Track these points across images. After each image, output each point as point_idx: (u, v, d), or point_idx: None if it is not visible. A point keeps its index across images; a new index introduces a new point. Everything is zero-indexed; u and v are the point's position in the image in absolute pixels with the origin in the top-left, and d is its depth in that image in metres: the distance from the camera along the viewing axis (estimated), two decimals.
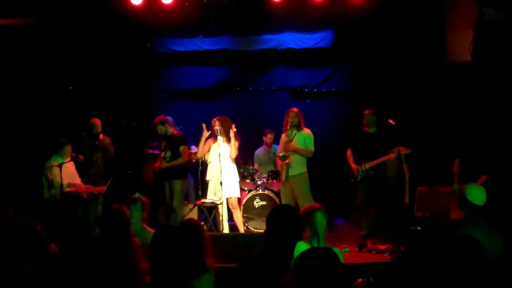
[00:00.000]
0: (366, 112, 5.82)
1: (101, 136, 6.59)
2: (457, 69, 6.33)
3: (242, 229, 6.07)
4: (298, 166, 5.89)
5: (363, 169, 5.67)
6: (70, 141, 6.12)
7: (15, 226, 2.73)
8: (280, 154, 5.91)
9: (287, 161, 5.87)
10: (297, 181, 5.88)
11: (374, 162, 5.65)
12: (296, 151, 5.86)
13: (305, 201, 5.86)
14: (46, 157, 6.00)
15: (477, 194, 3.54)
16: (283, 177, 5.94)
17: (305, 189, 5.89)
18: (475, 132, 5.76)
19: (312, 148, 5.93)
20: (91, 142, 6.49)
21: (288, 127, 5.92)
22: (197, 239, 2.92)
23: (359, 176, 5.70)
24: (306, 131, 5.98)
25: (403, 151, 5.53)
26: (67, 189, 5.85)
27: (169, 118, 6.85)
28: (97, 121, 6.53)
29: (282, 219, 2.52)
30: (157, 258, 2.58)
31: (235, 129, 5.84)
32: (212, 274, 2.89)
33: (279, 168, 6.31)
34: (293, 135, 5.88)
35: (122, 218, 3.41)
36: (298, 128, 5.90)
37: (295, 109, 5.98)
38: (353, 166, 5.78)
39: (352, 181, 5.82)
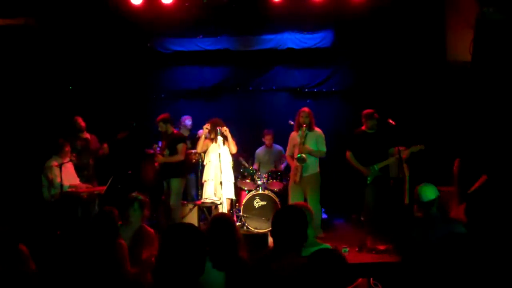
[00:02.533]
0: (366, 112, 5.78)
1: (85, 134, 6.48)
2: (457, 69, 6.33)
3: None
4: (312, 166, 5.94)
5: (373, 170, 5.66)
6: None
7: None
8: (298, 156, 5.83)
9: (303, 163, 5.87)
10: (311, 180, 5.92)
11: (385, 163, 5.66)
12: (310, 153, 5.88)
13: (314, 199, 5.92)
14: (46, 157, 5.99)
15: (429, 191, 3.66)
16: (297, 178, 5.91)
17: (317, 188, 5.96)
18: (475, 132, 5.75)
19: (324, 149, 5.98)
20: (77, 146, 6.35)
21: (300, 128, 5.91)
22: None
23: (369, 178, 5.66)
24: (318, 131, 6.00)
25: (417, 147, 5.54)
26: (68, 190, 5.83)
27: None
28: (79, 120, 6.43)
29: (289, 220, 2.51)
30: (167, 257, 2.57)
31: (227, 129, 5.83)
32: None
33: (279, 168, 6.29)
34: (305, 136, 5.88)
35: (110, 220, 3.43)
36: (310, 128, 5.91)
37: (306, 109, 5.98)
38: (362, 168, 5.69)
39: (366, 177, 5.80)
